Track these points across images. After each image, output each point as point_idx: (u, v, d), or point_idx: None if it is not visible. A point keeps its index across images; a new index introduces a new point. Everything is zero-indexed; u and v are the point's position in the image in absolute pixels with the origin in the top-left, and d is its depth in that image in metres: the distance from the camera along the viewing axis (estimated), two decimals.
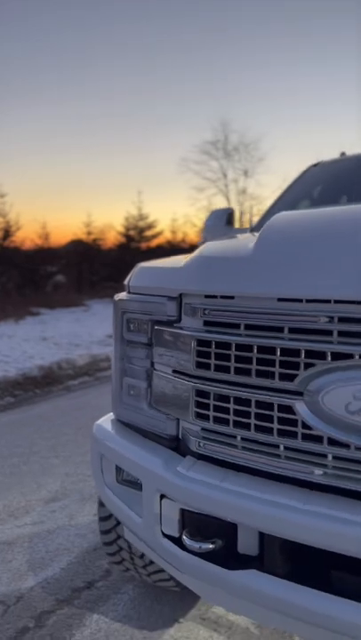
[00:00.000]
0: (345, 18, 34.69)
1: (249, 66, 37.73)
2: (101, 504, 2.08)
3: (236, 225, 3.36)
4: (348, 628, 1.18)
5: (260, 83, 38.29)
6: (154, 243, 24.91)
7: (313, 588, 1.22)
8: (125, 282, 1.79)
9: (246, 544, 1.35)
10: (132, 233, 24.17)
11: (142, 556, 2.02)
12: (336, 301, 1.22)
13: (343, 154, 3.36)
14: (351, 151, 3.38)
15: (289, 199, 3.02)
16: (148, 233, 24.71)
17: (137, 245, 24.07)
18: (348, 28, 35.70)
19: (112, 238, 25.39)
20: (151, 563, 2.02)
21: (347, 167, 3.21)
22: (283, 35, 35.78)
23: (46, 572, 2.42)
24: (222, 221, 3.15)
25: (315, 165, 3.27)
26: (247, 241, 1.54)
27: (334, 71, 37.78)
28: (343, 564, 1.20)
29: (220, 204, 27.72)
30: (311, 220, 1.61)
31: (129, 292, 1.75)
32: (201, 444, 1.44)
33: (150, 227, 24.51)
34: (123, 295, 1.76)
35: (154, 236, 25.06)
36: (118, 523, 2.01)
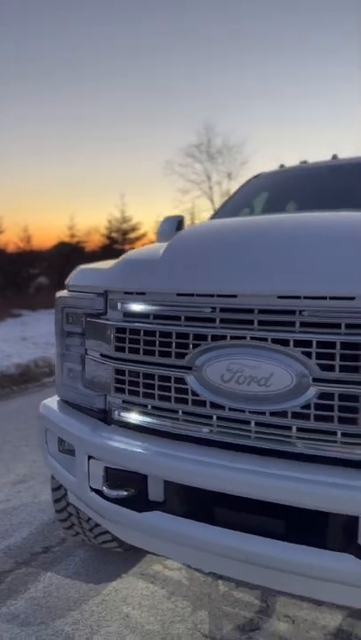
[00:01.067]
0: (333, 21, 35.27)
1: (233, 70, 38.19)
2: (53, 477, 2.39)
3: None
4: (226, 551, 1.51)
5: (243, 86, 38.77)
6: (138, 244, 25.23)
7: (201, 521, 1.55)
8: (66, 282, 2.10)
9: (155, 492, 1.66)
10: (115, 235, 24.48)
11: (88, 520, 2.33)
12: (218, 295, 1.55)
13: (282, 166, 3.70)
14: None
15: (231, 208, 3.35)
16: (132, 235, 25.03)
17: (120, 247, 24.35)
18: (336, 33, 36.31)
19: (96, 240, 25.64)
20: (96, 526, 2.33)
21: (285, 178, 3.55)
22: (268, 38, 36.24)
23: (9, 540, 2.73)
24: (173, 227, 3.47)
25: (256, 177, 3.61)
26: (162, 247, 1.86)
27: (316, 77, 38.37)
28: (224, 502, 1.53)
29: (204, 205, 28.13)
30: (209, 231, 1.95)
31: (68, 290, 2.07)
32: (121, 414, 1.76)
33: (134, 229, 24.84)
34: (63, 293, 2.08)
35: (138, 238, 25.39)
36: (67, 492, 2.32)
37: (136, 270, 1.79)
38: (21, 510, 3.05)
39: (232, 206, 3.37)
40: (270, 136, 40.10)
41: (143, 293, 1.71)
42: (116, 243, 24.46)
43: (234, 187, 39.27)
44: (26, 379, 6.60)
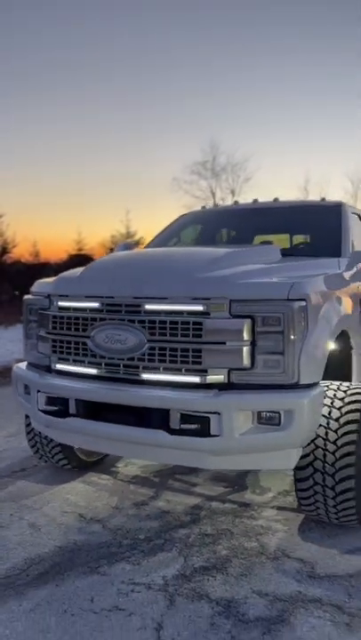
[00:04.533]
0: (337, 40, 36.58)
1: (238, 88, 39.66)
2: (26, 416, 3.67)
3: None
4: (108, 435, 2.78)
5: (247, 104, 40.26)
6: None
7: (95, 420, 2.81)
8: (30, 289, 3.40)
9: (72, 407, 2.93)
10: None
11: (48, 443, 3.60)
12: (104, 297, 2.83)
13: (204, 207, 4.98)
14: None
15: (161, 239, 4.64)
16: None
17: None
18: (344, 47, 37.59)
19: (103, 253, 27.21)
20: (53, 448, 3.60)
21: (207, 216, 4.84)
22: (274, 55, 37.70)
23: None
24: (124, 249, 4.76)
25: (183, 215, 4.90)
26: (82, 269, 3.15)
27: (315, 96, 39.71)
28: (107, 408, 2.79)
29: None
30: (108, 259, 3.25)
31: (31, 294, 3.36)
32: (56, 366, 3.04)
33: (138, 243, 26.27)
34: (28, 296, 3.37)
35: None
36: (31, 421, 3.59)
37: (65, 282, 3.10)
38: (9, 451, 4.34)
39: (162, 237, 4.65)
40: (273, 153, 41.49)
41: (67, 296, 3.00)
42: None
43: None
44: None
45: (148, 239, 4.86)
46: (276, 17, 36.08)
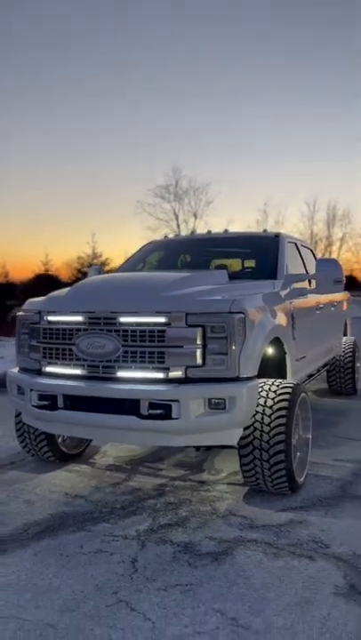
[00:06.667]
0: (299, 63, 38.48)
1: (199, 116, 41.14)
2: (16, 415, 4.30)
3: None
4: (90, 423, 3.47)
5: (210, 131, 41.78)
6: None
7: (80, 411, 3.50)
8: (22, 307, 4.08)
9: (60, 401, 3.60)
10: (86, 270, 26.63)
11: (36, 437, 4.25)
12: (86, 312, 3.54)
13: (166, 236, 5.78)
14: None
15: (130, 263, 5.39)
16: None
17: None
18: (299, 73, 39.49)
19: (70, 274, 27.80)
20: (40, 442, 4.25)
21: (168, 244, 5.62)
22: (233, 81, 39.32)
23: None
24: (96, 273, 5.48)
25: (149, 243, 5.67)
26: (67, 289, 3.86)
27: (273, 123, 41.59)
28: (90, 400, 3.48)
29: None
30: (89, 281, 3.98)
31: (23, 311, 4.04)
32: (46, 368, 3.72)
33: (103, 264, 26.98)
34: (20, 312, 4.05)
35: (108, 272, 27.55)
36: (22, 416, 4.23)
37: (53, 300, 3.80)
38: None
39: (131, 262, 5.41)
40: (234, 177, 43.07)
41: (55, 311, 3.70)
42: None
43: (200, 225, 41.89)
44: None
45: (114, 260, 5.67)
46: (238, 42, 37.83)
